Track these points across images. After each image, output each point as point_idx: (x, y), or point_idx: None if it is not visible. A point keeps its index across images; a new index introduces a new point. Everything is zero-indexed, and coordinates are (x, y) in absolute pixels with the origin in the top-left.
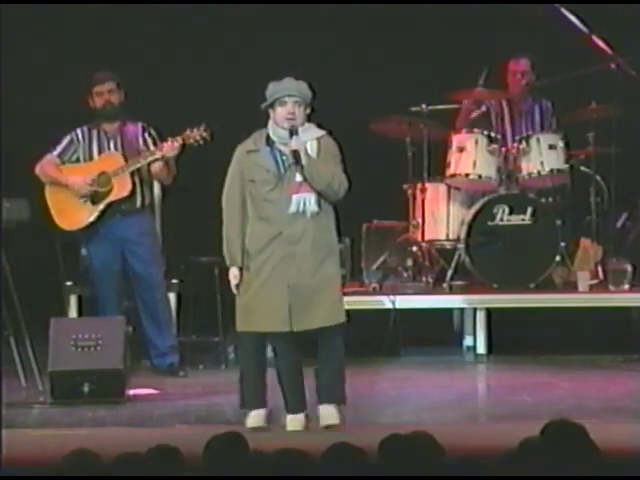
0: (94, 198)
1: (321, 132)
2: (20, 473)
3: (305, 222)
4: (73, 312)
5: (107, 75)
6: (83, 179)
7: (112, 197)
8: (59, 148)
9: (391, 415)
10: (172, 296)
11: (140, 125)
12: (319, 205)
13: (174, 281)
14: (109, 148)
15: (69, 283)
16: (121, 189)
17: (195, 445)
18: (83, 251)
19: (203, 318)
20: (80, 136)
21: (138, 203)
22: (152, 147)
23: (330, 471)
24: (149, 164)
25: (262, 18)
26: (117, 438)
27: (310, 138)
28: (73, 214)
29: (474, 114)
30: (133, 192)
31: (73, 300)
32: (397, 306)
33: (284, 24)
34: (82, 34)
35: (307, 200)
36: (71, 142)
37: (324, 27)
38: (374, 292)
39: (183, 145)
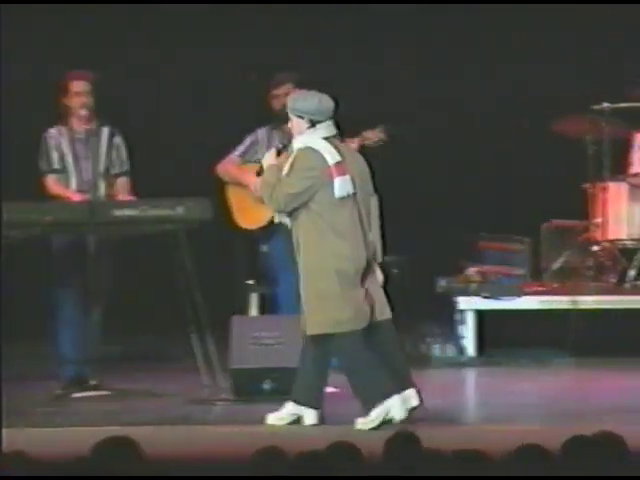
0: None
1: (301, 145)
2: (184, 472)
3: (297, 232)
4: (254, 310)
5: (285, 77)
6: None
7: None
8: (241, 148)
9: (574, 417)
10: None
11: None
12: (289, 216)
13: None
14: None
15: (250, 281)
16: None
17: (374, 444)
18: (263, 248)
19: None
20: (261, 136)
21: None
22: None
23: (519, 471)
24: None
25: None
26: (296, 436)
27: (294, 149)
28: (253, 212)
29: None
30: None
31: (254, 298)
32: (578, 306)
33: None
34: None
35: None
36: (253, 142)
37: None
38: (554, 292)
39: (361, 146)
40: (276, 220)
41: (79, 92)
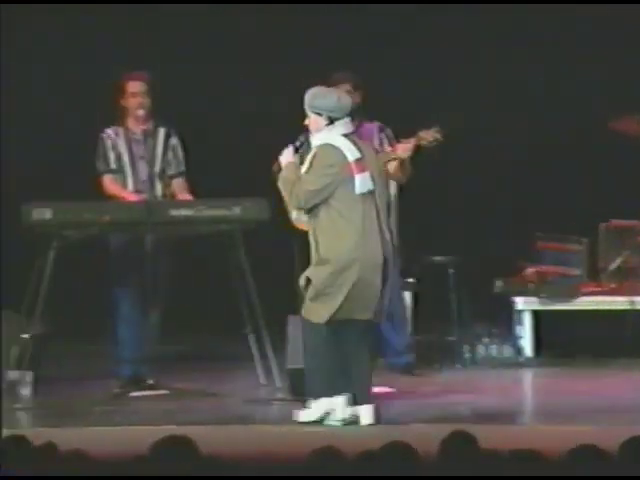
0: None
1: (320, 142)
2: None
3: (315, 230)
4: None
5: (343, 77)
6: None
7: None
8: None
9: (632, 418)
10: (408, 295)
11: (377, 125)
12: (308, 213)
13: (410, 280)
14: None
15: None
16: None
17: (429, 443)
18: None
19: (438, 317)
20: None
21: None
22: (387, 148)
23: (575, 472)
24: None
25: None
26: (352, 435)
27: (312, 146)
28: None
29: None
30: None
31: None
32: (636, 307)
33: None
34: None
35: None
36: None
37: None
38: (612, 292)
39: (417, 146)
40: (293, 218)
41: (135, 93)
